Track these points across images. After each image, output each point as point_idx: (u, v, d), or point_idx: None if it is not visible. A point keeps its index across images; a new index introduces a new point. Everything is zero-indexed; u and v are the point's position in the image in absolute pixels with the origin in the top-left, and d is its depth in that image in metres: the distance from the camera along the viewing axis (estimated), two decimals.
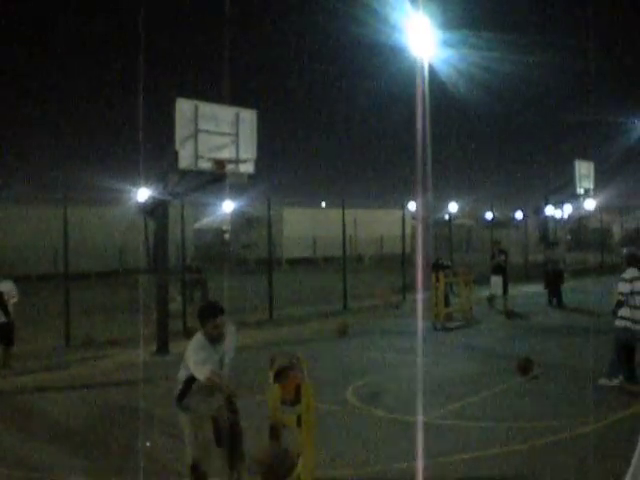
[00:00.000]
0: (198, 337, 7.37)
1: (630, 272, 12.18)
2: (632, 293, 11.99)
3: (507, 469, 8.32)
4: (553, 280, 24.34)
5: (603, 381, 12.32)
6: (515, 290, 25.98)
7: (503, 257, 23.42)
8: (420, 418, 10.12)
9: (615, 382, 12.23)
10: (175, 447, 9.45)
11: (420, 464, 8.19)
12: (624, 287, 12.08)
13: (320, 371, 12.67)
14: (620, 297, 12.08)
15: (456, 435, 9.71)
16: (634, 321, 11.97)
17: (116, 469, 8.57)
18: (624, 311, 12.02)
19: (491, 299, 23.32)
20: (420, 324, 18.58)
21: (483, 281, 25.61)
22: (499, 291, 22.96)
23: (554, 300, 23.98)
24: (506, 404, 11.30)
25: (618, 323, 12.14)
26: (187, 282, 22.07)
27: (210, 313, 7.44)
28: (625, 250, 30.51)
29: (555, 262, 24.82)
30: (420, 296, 20.04)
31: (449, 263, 23.99)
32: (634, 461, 3.17)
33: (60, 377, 14.10)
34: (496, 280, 23.09)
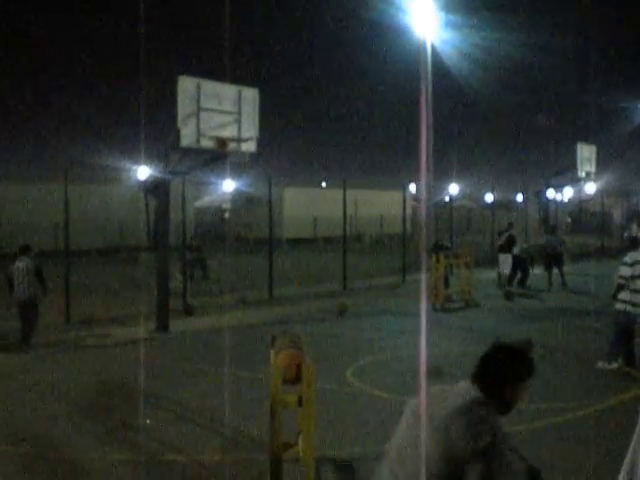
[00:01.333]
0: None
1: (632, 256, 12.19)
2: (633, 277, 12.01)
3: None
4: (553, 262, 24.39)
5: (601, 364, 12.35)
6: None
7: (513, 231, 23.66)
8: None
9: (614, 365, 12.26)
10: (174, 423, 9.50)
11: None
12: (625, 270, 12.09)
13: (320, 351, 12.70)
14: (621, 280, 12.10)
15: None
16: (634, 304, 11.99)
17: (116, 445, 8.60)
18: (624, 294, 12.04)
19: (499, 277, 23.32)
20: (420, 305, 18.60)
21: (483, 263, 25.62)
22: (507, 269, 23.02)
23: (553, 281, 24.02)
24: None
25: (618, 306, 12.16)
26: (187, 261, 22.10)
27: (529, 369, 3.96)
28: (626, 233, 30.39)
29: (554, 245, 24.84)
30: (421, 277, 20.06)
31: (449, 244, 24.01)
32: (632, 444, 3.18)
33: (59, 354, 14.13)
34: (504, 258, 23.16)
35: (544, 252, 25.33)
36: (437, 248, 21.84)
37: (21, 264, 14.75)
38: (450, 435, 3.31)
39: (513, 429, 9.06)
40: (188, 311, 18.69)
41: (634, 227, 36.78)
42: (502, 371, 3.72)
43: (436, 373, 11.67)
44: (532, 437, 8.74)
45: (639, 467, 3.13)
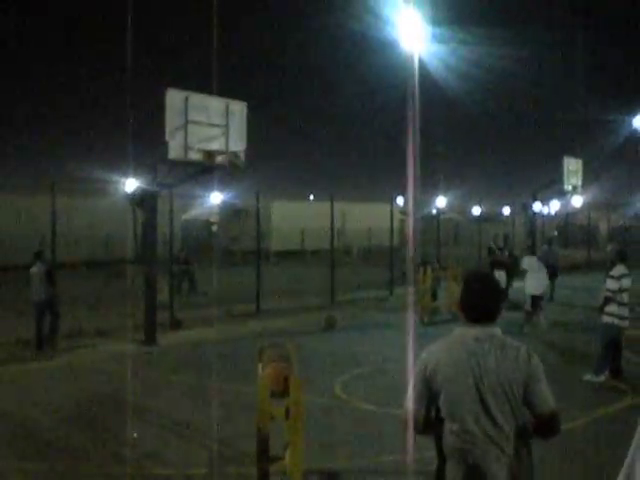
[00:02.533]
0: None
1: (618, 269, 12.25)
2: (620, 290, 12.07)
3: None
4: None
5: (589, 377, 12.37)
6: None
7: (507, 253, 23.57)
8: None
9: (601, 378, 12.28)
10: (161, 436, 9.46)
11: (407, 457, 8.21)
12: (612, 284, 12.13)
13: (308, 364, 12.67)
14: (608, 294, 12.14)
15: None
16: (621, 317, 12.05)
17: (103, 459, 8.55)
18: (611, 308, 12.07)
19: None
20: (407, 318, 18.59)
21: None
22: (503, 285, 23.02)
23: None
24: None
25: (605, 319, 12.19)
26: (175, 273, 22.04)
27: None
28: (610, 247, 30.56)
29: (548, 259, 24.78)
30: (409, 290, 20.06)
31: (435, 263, 23.93)
32: (632, 450, 3.21)
33: (46, 366, 14.07)
34: (499, 275, 23.15)
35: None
36: (424, 264, 21.82)
37: (35, 269, 15.82)
38: (530, 362, 4.00)
39: None
40: (175, 324, 18.63)
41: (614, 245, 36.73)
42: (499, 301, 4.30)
43: None
44: None
45: (636, 474, 3.15)
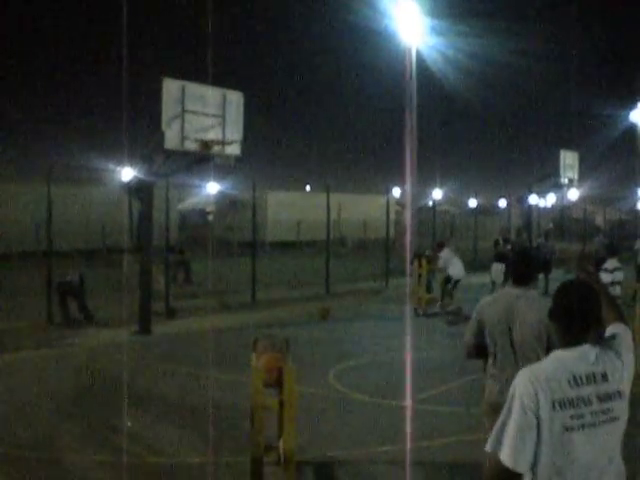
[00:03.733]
0: None
1: (611, 263, 12.36)
2: (612, 283, 12.16)
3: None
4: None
5: None
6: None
7: (509, 246, 23.57)
8: (401, 402, 10.19)
9: None
10: (155, 425, 9.48)
11: (401, 448, 8.25)
12: (606, 277, 12.20)
13: (302, 354, 12.70)
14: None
15: (437, 420, 9.78)
16: None
17: (97, 447, 8.58)
18: None
19: (492, 286, 23.23)
20: (402, 309, 18.64)
21: (469, 269, 25.66)
22: (500, 278, 23.02)
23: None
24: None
25: None
26: (170, 263, 22.03)
27: None
28: (596, 239, 30.42)
29: (544, 251, 24.77)
30: (405, 281, 20.11)
31: (429, 254, 23.92)
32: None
33: (41, 355, 14.08)
34: (498, 267, 23.14)
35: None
36: (418, 256, 21.82)
37: None
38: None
39: None
40: (170, 314, 18.65)
41: (599, 238, 36.66)
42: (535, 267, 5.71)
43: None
44: None
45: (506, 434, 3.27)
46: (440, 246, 21.06)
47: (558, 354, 3.36)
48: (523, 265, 5.91)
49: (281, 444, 7.02)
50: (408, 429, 8.76)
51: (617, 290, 12.18)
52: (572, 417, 3.17)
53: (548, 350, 5.15)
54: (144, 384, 11.59)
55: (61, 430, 9.28)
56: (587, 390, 3.22)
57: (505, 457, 3.18)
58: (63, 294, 17.38)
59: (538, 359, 4.78)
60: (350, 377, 12.28)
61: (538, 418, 3.17)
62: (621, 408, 3.28)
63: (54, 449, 8.50)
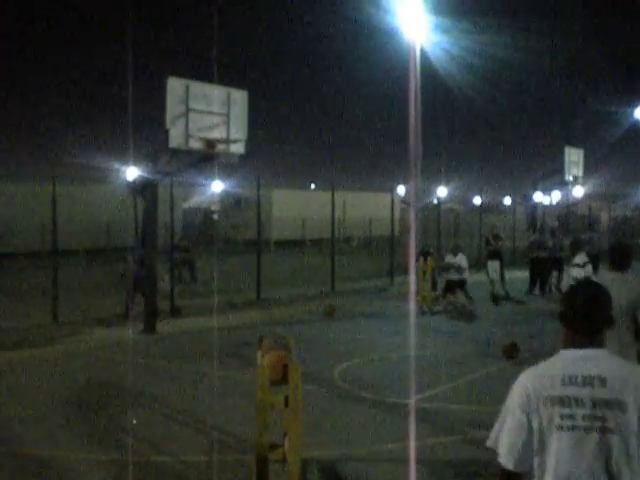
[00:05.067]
0: None
1: (581, 257, 12.56)
2: (585, 277, 12.37)
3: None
4: (538, 268, 24.09)
5: None
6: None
7: (500, 243, 23.54)
8: (406, 400, 10.19)
9: None
10: (161, 424, 9.50)
11: (406, 446, 8.25)
12: (578, 272, 12.43)
13: (307, 352, 12.72)
14: (574, 282, 12.32)
15: (442, 418, 9.78)
16: None
17: (102, 445, 8.59)
18: None
19: (492, 284, 23.17)
20: (407, 307, 18.63)
21: (472, 266, 25.63)
22: (497, 276, 22.99)
23: (535, 289, 23.80)
24: (491, 388, 11.36)
25: None
26: (175, 262, 22.05)
27: None
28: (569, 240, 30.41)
29: (542, 249, 24.67)
30: (410, 279, 20.09)
31: (433, 252, 23.85)
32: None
33: (47, 354, 14.10)
34: (493, 265, 23.10)
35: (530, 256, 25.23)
36: (423, 254, 21.79)
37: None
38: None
39: None
40: (175, 312, 18.67)
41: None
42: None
43: None
44: None
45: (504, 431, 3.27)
46: (457, 248, 20.93)
47: (562, 353, 3.30)
48: (621, 253, 6.99)
49: (286, 442, 7.02)
50: (413, 427, 8.76)
51: None
52: (562, 416, 3.10)
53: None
54: (149, 382, 11.60)
55: (66, 428, 9.29)
56: (582, 392, 3.11)
57: (502, 457, 3.19)
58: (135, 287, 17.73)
59: (632, 338, 6.32)
60: (355, 375, 12.28)
61: (529, 415, 3.14)
62: (618, 420, 3.06)
63: (59, 447, 8.51)
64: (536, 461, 3.15)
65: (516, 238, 36.85)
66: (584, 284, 3.68)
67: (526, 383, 3.22)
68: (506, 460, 3.17)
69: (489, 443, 3.29)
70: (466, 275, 20.19)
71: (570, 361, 3.22)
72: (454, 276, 20.10)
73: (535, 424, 3.13)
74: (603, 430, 3.06)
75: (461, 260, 20.17)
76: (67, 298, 18.69)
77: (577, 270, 12.48)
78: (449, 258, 20.60)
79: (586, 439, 3.07)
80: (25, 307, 18.99)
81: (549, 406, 3.12)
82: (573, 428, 3.08)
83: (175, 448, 8.51)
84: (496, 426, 3.26)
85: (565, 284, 13.21)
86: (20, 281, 24.20)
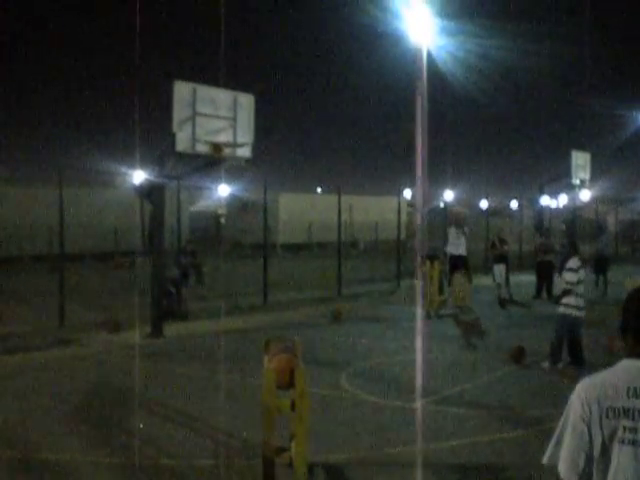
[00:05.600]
0: None
1: (575, 262, 12.54)
2: (578, 282, 12.37)
3: (499, 456, 8.37)
4: (544, 271, 23.95)
5: (546, 365, 12.70)
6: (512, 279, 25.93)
7: (506, 247, 23.52)
8: (412, 404, 10.18)
9: (560, 365, 12.60)
10: (168, 427, 9.50)
11: (413, 450, 8.24)
12: (571, 276, 12.42)
13: (314, 356, 12.71)
14: (567, 286, 12.38)
15: (448, 421, 9.76)
16: (579, 308, 12.45)
17: (109, 449, 8.59)
18: (571, 299, 12.40)
19: (498, 288, 23.11)
20: (414, 311, 18.61)
21: (478, 270, 25.61)
22: (503, 279, 22.97)
23: (542, 293, 23.70)
24: (499, 391, 11.36)
25: (563, 310, 12.48)
26: (182, 266, 22.05)
27: None
28: (601, 239, 30.25)
29: (548, 253, 24.58)
30: (415, 283, 20.08)
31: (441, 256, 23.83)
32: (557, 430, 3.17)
33: (53, 357, 14.12)
34: (499, 269, 23.08)
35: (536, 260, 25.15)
36: (430, 258, 21.78)
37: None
38: None
39: (506, 435, 9.11)
40: (182, 316, 18.68)
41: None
42: None
43: None
44: (527, 443, 8.76)
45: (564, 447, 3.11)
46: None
47: (624, 363, 3.11)
48: None
49: (293, 446, 7.02)
50: (420, 431, 8.75)
51: (581, 289, 12.40)
52: (625, 429, 2.95)
53: None
54: (156, 386, 11.60)
55: (73, 432, 9.29)
56: None
57: (561, 471, 3.04)
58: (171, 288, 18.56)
59: None
60: (362, 379, 12.27)
61: (590, 427, 2.99)
62: None
63: (66, 450, 8.51)
64: (596, 475, 3.01)
65: (523, 242, 36.79)
66: None
67: (586, 393, 3.05)
68: (568, 475, 3.02)
69: (546, 460, 3.12)
70: (460, 248, 20.60)
71: (635, 372, 3.05)
72: (455, 251, 20.48)
73: (597, 436, 2.99)
74: None
75: (450, 234, 20.85)
76: (74, 301, 18.73)
77: (570, 274, 12.47)
78: (452, 232, 21.08)
79: None
80: (32, 310, 19.02)
81: (612, 417, 2.97)
82: (634, 442, 2.95)
83: (182, 452, 8.51)
84: (553, 440, 3.12)
85: (557, 289, 13.18)
86: (27, 284, 24.26)
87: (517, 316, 19.94)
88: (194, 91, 15.58)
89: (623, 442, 2.95)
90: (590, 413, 2.99)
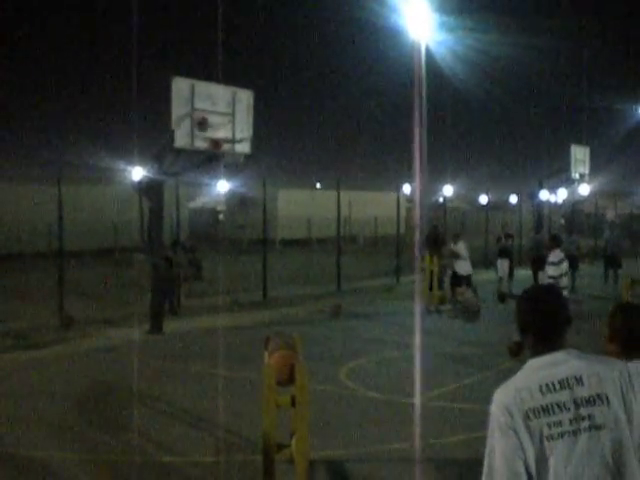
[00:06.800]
0: None
1: (556, 255, 12.51)
2: (561, 275, 12.33)
3: None
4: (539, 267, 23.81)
5: None
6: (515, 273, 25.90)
7: (510, 241, 23.50)
8: (412, 400, 10.18)
9: None
10: (168, 424, 9.50)
11: (413, 445, 8.24)
12: (555, 270, 12.37)
13: (314, 352, 12.71)
14: (551, 280, 12.36)
15: (448, 417, 9.76)
16: None
17: (110, 446, 8.59)
18: None
19: (500, 282, 23.11)
20: (413, 306, 18.60)
21: (478, 264, 25.58)
22: (506, 274, 22.96)
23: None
24: (498, 386, 11.34)
25: None
26: (181, 261, 22.02)
27: None
28: (605, 234, 30.21)
29: (568, 247, 24.41)
30: (415, 278, 20.07)
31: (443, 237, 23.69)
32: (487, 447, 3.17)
33: (53, 354, 14.11)
34: (503, 263, 23.07)
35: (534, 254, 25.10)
36: (433, 239, 21.67)
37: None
38: None
39: None
40: (173, 311, 18.50)
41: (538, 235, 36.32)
42: None
43: None
44: None
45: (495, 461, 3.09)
46: (457, 237, 21.15)
47: (530, 363, 3.18)
48: None
49: (293, 442, 7.01)
50: (420, 426, 8.75)
51: (564, 282, 12.36)
52: (549, 425, 2.97)
53: None
54: (155, 383, 11.60)
55: (73, 429, 9.30)
56: (562, 396, 3.01)
57: None
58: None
59: None
60: (362, 374, 12.27)
61: (517, 434, 2.97)
62: (605, 415, 2.98)
63: (66, 448, 8.52)
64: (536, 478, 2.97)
65: (522, 236, 36.76)
66: (534, 288, 3.61)
67: (504, 400, 3.08)
68: None
69: None
70: (457, 268, 20.27)
71: (541, 368, 3.10)
72: (458, 268, 20.20)
73: (525, 441, 2.97)
74: (591, 428, 2.98)
75: (460, 249, 20.26)
76: (73, 299, 18.72)
77: (553, 268, 12.43)
78: (450, 246, 20.83)
79: (577, 442, 2.97)
80: (32, 308, 19.00)
81: (533, 418, 2.99)
82: (562, 435, 2.96)
83: (182, 448, 8.51)
84: (485, 467, 3.09)
85: (542, 280, 13.19)
86: (27, 282, 24.24)
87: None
88: (192, 87, 15.55)
89: (552, 438, 2.97)
90: (512, 419, 3.00)
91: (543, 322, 3.21)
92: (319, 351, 13.68)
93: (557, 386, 3.03)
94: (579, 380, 3.04)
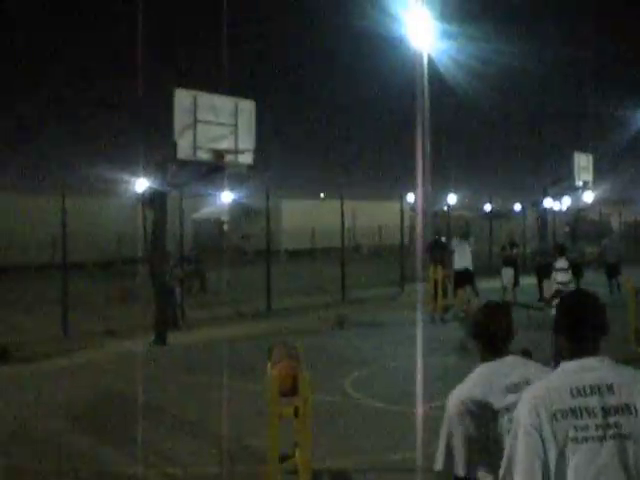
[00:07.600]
0: None
1: (564, 262, 12.58)
2: (570, 281, 12.42)
3: None
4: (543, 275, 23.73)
5: (551, 367, 12.71)
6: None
7: (515, 250, 23.43)
8: (417, 410, 10.14)
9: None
10: (172, 436, 9.47)
11: (418, 455, 8.20)
12: (564, 276, 12.42)
13: (318, 362, 12.67)
14: (559, 286, 12.38)
15: None
16: None
17: (114, 458, 8.58)
18: None
19: (503, 291, 23.05)
20: (418, 316, 18.56)
21: (483, 273, 25.54)
22: (511, 283, 22.89)
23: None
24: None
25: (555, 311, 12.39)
26: (185, 273, 22.04)
27: None
28: (605, 241, 30.18)
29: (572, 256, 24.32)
30: (419, 288, 20.04)
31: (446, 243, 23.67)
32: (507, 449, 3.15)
33: (57, 366, 14.10)
34: (507, 272, 22.99)
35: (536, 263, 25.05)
36: (436, 247, 21.66)
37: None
38: None
39: None
40: (174, 324, 18.44)
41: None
42: None
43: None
44: None
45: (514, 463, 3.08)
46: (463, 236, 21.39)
47: (563, 366, 3.21)
48: None
49: (297, 453, 6.99)
50: (424, 436, 8.71)
51: (572, 288, 12.40)
52: (576, 428, 2.97)
53: None
54: (160, 394, 11.59)
55: (77, 441, 9.28)
56: (591, 401, 3.01)
57: None
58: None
59: None
60: (366, 384, 12.24)
61: (542, 434, 2.98)
62: (631, 425, 2.98)
63: (69, 460, 8.50)
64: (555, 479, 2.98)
65: (526, 244, 36.71)
66: (576, 292, 3.63)
67: (532, 400, 3.09)
68: None
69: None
70: (469, 264, 20.33)
71: (574, 372, 3.13)
72: (458, 265, 20.27)
73: (549, 441, 2.98)
74: (617, 437, 2.97)
75: (465, 247, 20.39)
76: (77, 310, 18.71)
77: (561, 274, 12.50)
78: (455, 242, 20.84)
79: (601, 449, 2.96)
80: (35, 320, 19.01)
81: (560, 419, 3.00)
82: (587, 440, 2.97)
83: (186, 460, 8.49)
84: (505, 457, 3.08)
85: (547, 292, 13.19)
86: (30, 293, 24.24)
87: (521, 319, 19.87)
88: (195, 98, 15.59)
89: (577, 441, 2.97)
90: (539, 418, 3.00)
91: (579, 325, 3.23)
92: (323, 361, 13.64)
93: (588, 390, 3.05)
94: (610, 388, 3.05)
